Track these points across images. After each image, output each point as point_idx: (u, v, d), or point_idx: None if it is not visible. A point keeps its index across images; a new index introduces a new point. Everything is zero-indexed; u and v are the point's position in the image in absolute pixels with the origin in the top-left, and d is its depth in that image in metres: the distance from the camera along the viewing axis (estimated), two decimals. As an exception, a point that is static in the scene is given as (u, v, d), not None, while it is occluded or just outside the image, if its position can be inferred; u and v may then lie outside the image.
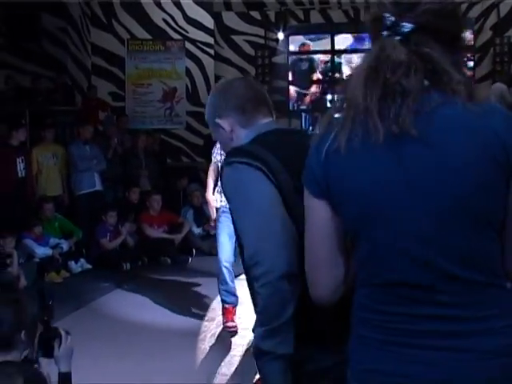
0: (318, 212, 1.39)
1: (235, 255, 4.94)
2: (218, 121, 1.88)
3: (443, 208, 1.26)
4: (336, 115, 1.38)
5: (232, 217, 1.71)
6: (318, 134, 1.39)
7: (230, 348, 4.78)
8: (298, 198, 1.50)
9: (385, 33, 1.32)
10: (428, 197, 1.27)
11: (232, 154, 1.72)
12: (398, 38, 1.30)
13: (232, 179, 1.69)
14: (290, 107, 11.96)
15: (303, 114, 12.07)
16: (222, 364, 4.44)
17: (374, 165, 1.30)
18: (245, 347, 4.73)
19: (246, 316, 5.52)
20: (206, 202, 8.84)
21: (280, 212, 1.62)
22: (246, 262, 1.64)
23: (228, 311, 5.07)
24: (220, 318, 5.34)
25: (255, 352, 1.62)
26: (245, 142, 1.78)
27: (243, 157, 1.67)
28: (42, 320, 2.20)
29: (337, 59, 12.05)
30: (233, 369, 4.37)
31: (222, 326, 5.19)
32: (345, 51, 11.97)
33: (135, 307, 5.94)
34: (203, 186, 6.48)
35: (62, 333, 2.23)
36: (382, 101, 1.28)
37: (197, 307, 5.87)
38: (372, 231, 1.32)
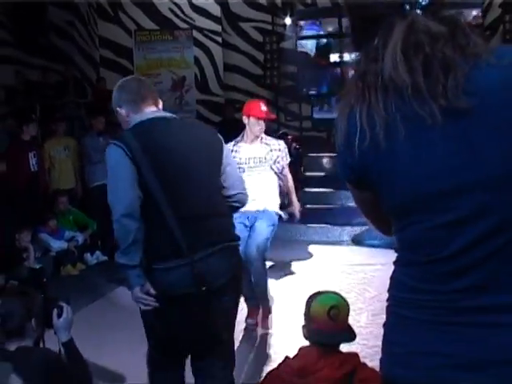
0: (363, 197, 1.42)
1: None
2: (117, 109, 2.80)
3: (505, 178, 1.23)
4: (354, 104, 1.30)
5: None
6: (342, 128, 1.32)
7: (253, 346, 4.70)
8: (149, 168, 2.53)
9: (407, 7, 1.27)
10: (490, 169, 1.23)
11: (117, 137, 2.67)
12: (419, 11, 1.27)
13: (107, 154, 2.64)
14: (300, 91, 11.78)
15: (313, 99, 11.89)
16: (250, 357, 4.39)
17: (428, 150, 1.25)
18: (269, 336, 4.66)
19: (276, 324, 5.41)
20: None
21: (130, 176, 2.53)
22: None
23: (251, 311, 4.95)
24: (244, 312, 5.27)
25: (118, 266, 2.62)
26: (131, 126, 2.70)
27: (116, 140, 2.63)
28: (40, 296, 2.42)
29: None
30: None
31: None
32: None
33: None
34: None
35: (63, 304, 2.44)
36: (426, 77, 1.23)
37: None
38: (428, 213, 1.29)
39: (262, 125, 4.80)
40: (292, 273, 6.65)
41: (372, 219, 1.50)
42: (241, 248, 4.55)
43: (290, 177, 5.13)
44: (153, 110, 2.74)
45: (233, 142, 4.82)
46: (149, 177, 2.53)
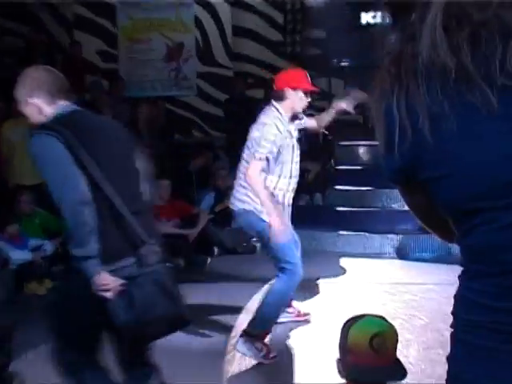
0: (417, 203, 1.48)
1: None
2: (29, 100, 3.22)
3: None
4: (388, 94, 1.33)
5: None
6: (380, 126, 1.36)
7: (267, 373, 4.74)
8: (84, 154, 3.06)
9: None
10: None
11: (40, 127, 3.15)
12: None
13: (38, 144, 3.09)
14: (329, 62, 11.77)
15: (347, 72, 11.87)
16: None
17: (488, 142, 1.27)
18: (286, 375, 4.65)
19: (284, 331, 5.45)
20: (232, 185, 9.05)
21: (69, 164, 3.04)
22: (55, 201, 3.07)
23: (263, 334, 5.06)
24: None
25: (74, 258, 3.09)
26: (50, 118, 3.19)
27: (46, 129, 3.09)
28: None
29: None
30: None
31: None
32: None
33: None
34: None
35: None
36: (475, 54, 1.23)
37: (221, 320, 5.85)
38: (497, 211, 1.30)
39: (308, 100, 4.98)
40: (319, 294, 6.64)
41: (433, 227, 1.52)
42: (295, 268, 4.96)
43: None
44: (68, 104, 3.28)
45: (272, 122, 4.84)
46: (91, 167, 3.06)
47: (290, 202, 5.17)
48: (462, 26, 1.24)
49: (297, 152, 5.05)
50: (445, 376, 1.45)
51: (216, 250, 8.40)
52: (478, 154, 1.28)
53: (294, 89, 4.89)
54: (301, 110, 5.02)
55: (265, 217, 4.82)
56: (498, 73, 1.23)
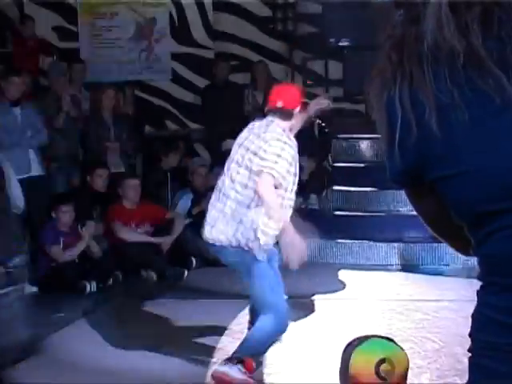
0: (426, 208, 1.49)
1: None
2: None
3: None
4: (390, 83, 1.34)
5: None
6: (381, 119, 1.37)
7: None
8: None
9: None
10: None
11: None
12: None
13: None
14: (326, 42, 11.79)
15: (347, 53, 11.90)
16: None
17: (502, 134, 1.29)
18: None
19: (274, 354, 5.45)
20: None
21: None
22: None
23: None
24: None
25: None
26: None
27: None
28: None
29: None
30: None
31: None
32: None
33: (106, 347, 5.90)
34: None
35: None
36: (487, 36, 1.25)
37: (199, 343, 5.86)
38: (509, 217, 1.32)
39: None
40: (314, 312, 6.65)
41: (446, 236, 1.53)
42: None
43: None
44: None
45: (283, 137, 4.98)
46: None
47: None
48: (472, 5, 1.25)
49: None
50: None
51: (194, 261, 8.36)
52: (491, 150, 1.29)
53: (305, 107, 5.13)
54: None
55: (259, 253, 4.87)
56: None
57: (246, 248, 4.86)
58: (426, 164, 1.35)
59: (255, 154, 4.92)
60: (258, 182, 4.84)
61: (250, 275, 4.96)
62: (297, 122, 5.11)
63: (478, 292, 1.41)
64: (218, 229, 4.94)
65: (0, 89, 8.37)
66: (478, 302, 1.41)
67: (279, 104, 5.08)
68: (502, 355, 1.33)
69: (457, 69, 1.27)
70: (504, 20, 1.24)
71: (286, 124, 5.04)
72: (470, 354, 1.42)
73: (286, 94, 5.20)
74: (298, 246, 4.84)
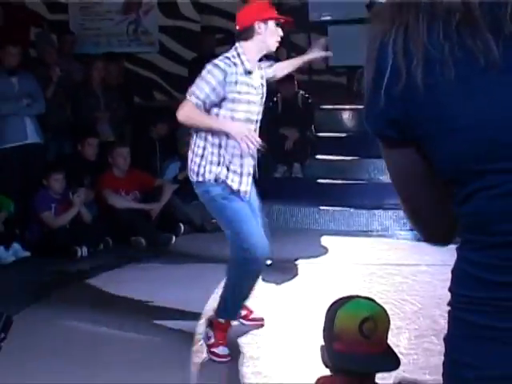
0: (402, 162, 1.45)
1: None
2: None
3: None
4: (387, 31, 1.33)
5: None
6: (371, 61, 1.36)
7: (241, 362, 4.73)
8: None
9: None
10: None
11: None
12: None
13: None
14: (310, 17, 11.74)
15: (330, 27, 11.84)
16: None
17: (486, 95, 1.28)
18: (259, 360, 4.69)
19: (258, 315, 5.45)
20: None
21: None
22: None
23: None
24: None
25: None
26: None
27: None
28: None
29: None
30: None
31: None
32: None
33: (97, 310, 5.88)
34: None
35: None
36: None
37: (187, 307, 5.84)
38: (493, 175, 1.32)
39: (281, 33, 4.78)
40: (298, 276, 6.67)
41: (413, 202, 1.50)
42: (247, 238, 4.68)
43: None
44: None
45: (222, 63, 4.66)
46: None
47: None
48: None
49: (259, 109, 4.90)
50: (440, 367, 1.46)
51: (182, 227, 8.38)
52: (474, 109, 1.28)
53: (265, 21, 4.68)
54: (274, 48, 4.84)
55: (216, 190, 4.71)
56: (507, 20, 1.23)
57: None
58: (410, 117, 1.34)
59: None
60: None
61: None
62: (264, 37, 4.69)
63: (457, 248, 1.42)
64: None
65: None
66: (457, 257, 1.42)
67: (237, 25, 4.79)
68: (479, 308, 1.34)
69: (451, 26, 1.26)
70: None
71: (245, 45, 4.69)
72: (449, 308, 1.43)
73: (242, 11, 4.83)
74: (239, 130, 4.60)
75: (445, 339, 1.44)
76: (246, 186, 4.81)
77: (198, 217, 8.43)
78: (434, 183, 1.42)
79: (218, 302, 4.91)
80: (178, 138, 9.24)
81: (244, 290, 4.85)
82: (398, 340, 4.83)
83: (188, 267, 7.00)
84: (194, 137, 4.77)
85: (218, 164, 4.69)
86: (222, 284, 6.21)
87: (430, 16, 1.27)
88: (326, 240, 7.92)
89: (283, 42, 12.11)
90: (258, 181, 9.19)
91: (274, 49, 4.84)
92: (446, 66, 1.26)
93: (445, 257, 6.57)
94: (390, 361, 2.46)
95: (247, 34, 4.70)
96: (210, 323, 4.86)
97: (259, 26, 4.67)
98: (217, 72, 4.63)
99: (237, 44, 4.73)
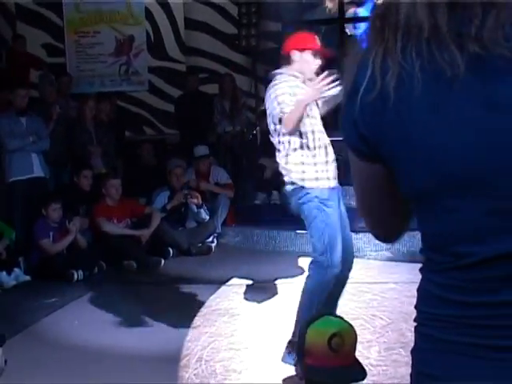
0: (368, 172, 1.43)
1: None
2: None
3: None
4: (370, 47, 1.34)
5: None
6: (350, 75, 1.37)
7: (224, 376, 4.69)
8: None
9: None
10: None
11: None
12: None
13: None
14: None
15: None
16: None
17: (451, 111, 1.26)
18: (241, 374, 4.65)
19: (241, 333, 5.46)
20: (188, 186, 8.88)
21: None
22: None
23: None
24: (207, 338, 5.33)
25: None
26: None
27: None
28: None
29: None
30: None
31: (208, 347, 5.16)
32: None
33: (92, 328, 5.86)
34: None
35: None
36: (453, 17, 1.25)
37: (175, 324, 5.81)
38: (454, 199, 1.30)
39: (318, 62, 4.72)
40: (277, 295, 6.64)
41: (372, 210, 1.50)
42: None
43: None
44: None
45: (282, 84, 4.60)
46: None
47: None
48: None
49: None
50: (407, 377, 1.47)
51: (171, 251, 8.36)
52: (439, 131, 1.27)
53: (301, 50, 4.68)
54: (312, 75, 4.67)
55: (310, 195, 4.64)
56: (472, 39, 1.23)
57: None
58: (377, 135, 1.34)
59: (268, 115, 4.75)
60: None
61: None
62: (300, 64, 4.66)
63: (421, 269, 1.42)
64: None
65: (8, 101, 8.38)
66: (422, 278, 1.42)
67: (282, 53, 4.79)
68: (442, 324, 1.35)
69: (421, 42, 1.26)
70: (469, 5, 1.24)
71: (285, 70, 4.70)
72: (415, 324, 1.44)
73: (286, 42, 4.84)
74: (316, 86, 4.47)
75: (412, 352, 1.45)
76: None
77: (184, 241, 8.44)
78: (395, 195, 1.40)
79: (295, 324, 4.68)
80: (168, 170, 9.24)
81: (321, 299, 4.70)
82: (368, 352, 4.83)
83: (176, 288, 6.97)
84: None
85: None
86: (207, 302, 6.29)
87: (405, 35, 1.28)
88: (302, 261, 7.86)
89: (263, 80, 12.16)
90: (239, 207, 9.25)
91: (310, 76, 4.68)
92: (417, 80, 1.26)
93: (411, 275, 6.60)
94: (358, 372, 2.46)
95: (286, 60, 4.74)
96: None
97: (295, 54, 4.69)
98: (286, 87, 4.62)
99: (281, 69, 4.76)
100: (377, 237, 1.55)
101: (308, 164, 4.67)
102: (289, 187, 4.75)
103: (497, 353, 1.28)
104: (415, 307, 1.43)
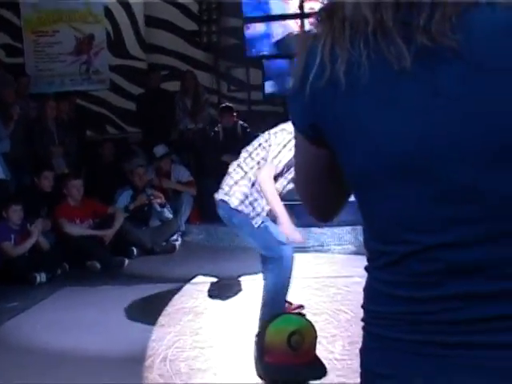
0: (313, 154, 1.44)
1: None
2: None
3: (498, 148, 1.23)
4: (318, 36, 1.34)
5: None
6: (300, 62, 1.36)
7: (189, 375, 4.65)
8: None
9: None
10: (483, 135, 1.23)
11: None
12: None
13: None
14: (248, 53, 11.78)
15: (265, 62, 11.90)
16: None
17: (397, 102, 1.27)
18: (206, 373, 4.62)
19: (206, 331, 5.43)
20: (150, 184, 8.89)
21: None
22: None
23: None
24: (171, 337, 5.29)
25: None
26: None
27: None
28: None
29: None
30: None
31: (173, 346, 5.13)
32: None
33: (55, 331, 5.79)
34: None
35: None
36: (399, 11, 1.25)
37: (139, 324, 5.79)
38: (401, 186, 1.29)
39: None
40: (242, 291, 6.63)
41: (314, 191, 1.50)
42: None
43: None
44: None
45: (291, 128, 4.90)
46: None
47: None
48: None
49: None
50: None
51: (134, 250, 8.31)
52: (386, 119, 1.27)
53: None
54: None
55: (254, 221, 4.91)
56: (419, 32, 1.23)
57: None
58: (327, 122, 1.33)
59: (261, 145, 4.94)
60: (259, 171, 4.80)
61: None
62: None
63: (366, 267, 1.40)
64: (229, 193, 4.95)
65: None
66: (368, 276, 1.40)
67: None
68: (389, 322, 1.33)
69: (368, 35, 1.26)
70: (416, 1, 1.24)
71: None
72: (363, 323, 1.42)
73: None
74: (294, 236, 4.83)
75: (360, 351, 1.43)
76: None
77: (148, 241, 8.40)
78: (338, 178, 1.41)
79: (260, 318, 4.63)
80: (130, 170, 9.18)
81: (283, 292, 4.82)
82: (333, 347, 4.82)
83: (141, 288, 6.92)
84: None
85: None
86: (171, 301, 6.26)
87: (352, 28, 1.28)
88: (267, 257, 7.90)
89: (224, 76, 12.22)
90: (204, 204, 9.20)
91: None
92: (364, 68, 1.26)
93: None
94: (318, 370, 2.45)
95: None
96: None
97: None
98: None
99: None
100: (316, 217, 1.56)
101: (249, 199, 4.91)
102: (223, 204, 5.00)
103: (444, 349, 1.27)
104: (362, 307, 1.42)
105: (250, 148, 5.06)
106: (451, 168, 1.24)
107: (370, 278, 1.39)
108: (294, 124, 1.42)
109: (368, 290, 1.41)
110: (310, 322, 2.48)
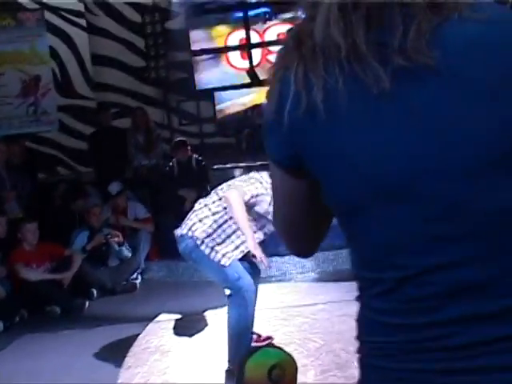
0: (292, 187, 1.41)
1: None
2: None
3: (476, 163, 1.22)
4: (289, 66, 1.31)
5: None
6: (273, 94, 1.34)
7: None
8: None
9: None
10: (460, 149, 1.22)
11: None
12: None
13: None
14: (197, 86, 11.78)
15: (215, 93, 11.93)
16: None
17: (377, 125, 1.26)
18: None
19: (174, 370, 5.34)
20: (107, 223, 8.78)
21: None
22: None
23: None
24: (139, 378, 5.23)
25: None
26: None
27: None
28: None
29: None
30: None
31: None
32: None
33: (18, 381, 5.63)
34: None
35: None
36: (370, 31, 1.24)
37: (106, 367, 5.68)
38: (389, 210, 1.28)
39: None
40: (207, 327, 6.54)
41: (293, 225, 1.47)
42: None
43: None
44: None
45: (257, 175, 5.09)
46: None
47: None
48: (359, 6, 1.23)
49: None
50: None
51: (94, 291, 8.16)
52: (363, 142, 1.26)
53: None
54: None
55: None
56: (395, 52, 1.22)
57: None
58: (307, 151, 1.31)
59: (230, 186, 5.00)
60: (228, 191, 4.90)
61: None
62: None
63: (357, 297, 1.37)
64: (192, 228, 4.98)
65: None
66: (360, 306, 1.37)
67: None
68: (389, 352, 1.30)
69: (342, 60, 1.24)
70: (389, 20, 1.23)
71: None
72: (359, 355, 1.38)
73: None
74: (257, 253, 4.90)
75: None
76: None
77: (108, 280, 8.27)
78: (317, 209, 1.39)
79: (228, 353, 4.71)
80: (86, 210, 9.07)
81: (247, 324, 4.80)
82: (305, 377, 4.75)
83: (103, 329, 6.79)
84: None
85: None
86: (136, 341, 6.14)
87: (324, 55, 1.26)
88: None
89: (175, 110, 12.22)
90: (163, 240, 9.11)
91: None
92: (341, 94, 1.24)
93: (339, 294, 6.62)
94: (300, 403, 2.39)
95: None
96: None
97: None
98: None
99: None
100: (296, 253, 1.54)
101: (211, 238, 4.95)
102: (184, 239, 5.04)
103: (443, 376, 1.24)
104: (357, 338, 1.38)
105: (219, 191, 5.09)
106: (434, 186, 1.23)
107: (363, 307, 1.36)
108: (271, 157, 1.39)
109: (362, 321, 1.37)
110: (290, 355, 2.43)
